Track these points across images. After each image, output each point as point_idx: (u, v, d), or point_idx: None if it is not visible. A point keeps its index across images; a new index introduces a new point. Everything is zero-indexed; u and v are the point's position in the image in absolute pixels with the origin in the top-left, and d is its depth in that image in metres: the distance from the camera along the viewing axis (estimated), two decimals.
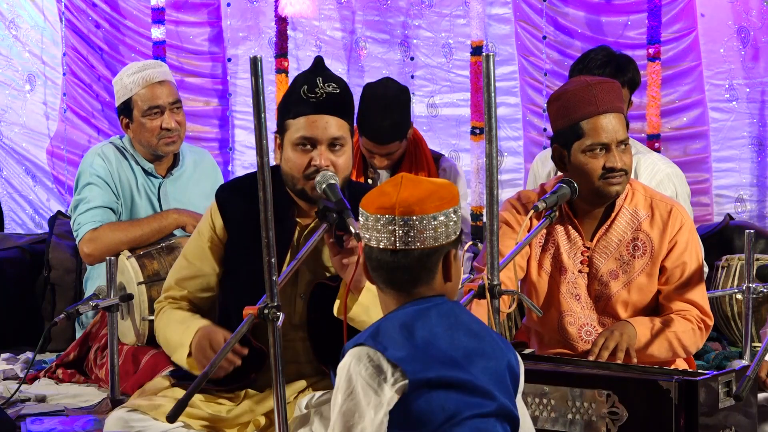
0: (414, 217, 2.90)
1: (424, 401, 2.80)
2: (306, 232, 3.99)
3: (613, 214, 4.24)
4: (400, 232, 2.91)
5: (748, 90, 6.78)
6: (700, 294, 4.25)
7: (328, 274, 3.96)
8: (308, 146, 3.90)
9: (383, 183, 3.01)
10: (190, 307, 4.06)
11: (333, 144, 3.90)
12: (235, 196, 4.04)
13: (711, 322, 4.27)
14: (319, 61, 4.02)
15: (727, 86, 6.80)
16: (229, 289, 4.06)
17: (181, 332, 3.90)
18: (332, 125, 3.90)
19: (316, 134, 3.89)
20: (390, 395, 2.80)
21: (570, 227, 4.28)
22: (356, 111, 4.19)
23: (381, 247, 2.92)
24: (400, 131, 5.68)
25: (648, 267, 4.23)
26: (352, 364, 2.84)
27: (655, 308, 4.28)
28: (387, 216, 2.91)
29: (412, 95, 7.24)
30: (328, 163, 3.88)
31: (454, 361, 2.85)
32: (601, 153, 4.18)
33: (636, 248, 4.24)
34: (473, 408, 2.84)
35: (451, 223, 2.94)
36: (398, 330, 2.85)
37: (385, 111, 5.66)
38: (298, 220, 4.00)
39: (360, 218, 2.98)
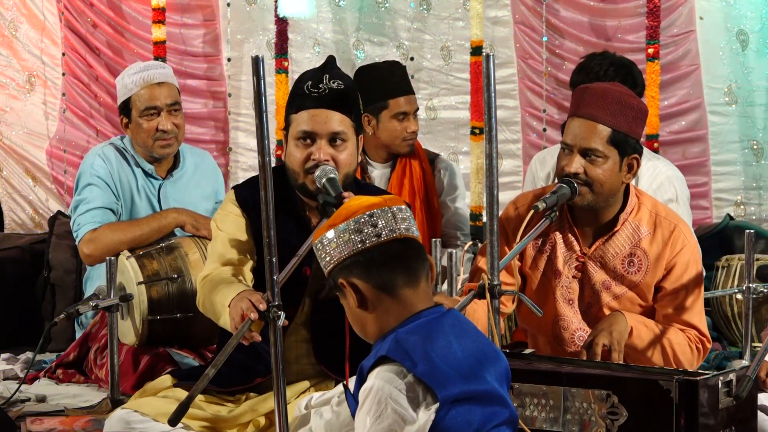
0: (402, 207, 2.97)
1: (450, 418, 2.79)
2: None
3: (616, 228, 4.23)
4: (397, 222, 2.94)
5: (746, 93, 6.77)
6: (698, 317, 4.23)
7: None
8: (308, 140, 3.90)
9: (348, 202, 3.00)
10: (234, 273, 3.94)
11: (334, 139, 3.90)
12: (252, 195, 3.99)
13: (709, 345, 4.25)
14: (330, 60, 4.03)
15: (725, 90, 6.80)
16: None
17: (226, 294, 3.72)
18: (333, 120, 3.89)
19: (316, 128, 3.89)
20: (425, 420, 2.77)
21: (569, 234, 4.28)
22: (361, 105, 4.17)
23: (408, 235, 2.93)
24: (406, 80, 5.83)
25: (641, 284, 4.21)
26: (382, 385, 2.79)
27: None
28: (382, 209, 2.93)
29: None
30: (327, 158, 3.88)
31: (471, 372, 2.84)
32: (565, 154, 4.18)
33: (631, 264, 4.22)
34: (493, 419, 2.84)
35: None
36: (419, 341, 2.83)
37: (392, 64, 5.92)
38: (311, 216, 3.99)
39: (373, 219, 2.92)
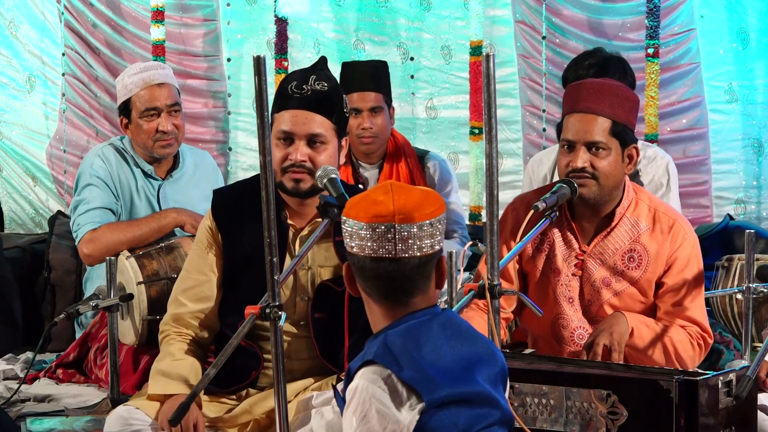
0: (414, 225, 2.86)
1: (436, 420, 2.78)
2: (301, 235, 3.99)
3: (614, 222, 4.23)
4: (400, 240, 2.85)
5: (747, 91, 6.78)
6: (700, 312, 4.23)
7: (327, 276, 3.96)
8: (287, 140, 3.92)
9: (370, 190, 2.94)
10: (193, 335, 4.05)
11: (313, 141, 3.91)
12: (230, 202, 4.04)
13: (711, 341, 4.25)
14: (320, 60, 4.04)
15: (726, 88, 6.80)
16: (228, 295, 4.06)
17: (167, 383, 3.93)
18: (313, 121, 3.90)
19: (295, 129, 3.90)
20: (409, 419, 2.77)
21: (567, 231, 4.28)
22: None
23: (378, 256, 2.86)
24: (381, 82, 5.75)
25: (641, 280, 4.21)
26: (367, 385, 2.79)
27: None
28: (386, 224, 2.85)
29: (412, 95, 7.26)
30: (304, 158, 3.89)
31: (461, 374, 2.83)
32: (567, 151, 4.18)
33: (631, 259, 4.22)
34: (482, 420, 2.83)
35: (441, 228, 2.92)
36: (406, 346, 2.81)
37: (364, 62, 5.95)
38: (290, 222, 4.00)
39: (348, 227, 2.90)
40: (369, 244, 2.86)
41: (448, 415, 2.79)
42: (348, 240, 2.90)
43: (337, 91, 3.97)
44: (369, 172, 5.82)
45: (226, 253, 4.03)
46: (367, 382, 2.79)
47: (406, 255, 2.86)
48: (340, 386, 3.03)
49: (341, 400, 2.92)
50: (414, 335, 2.84)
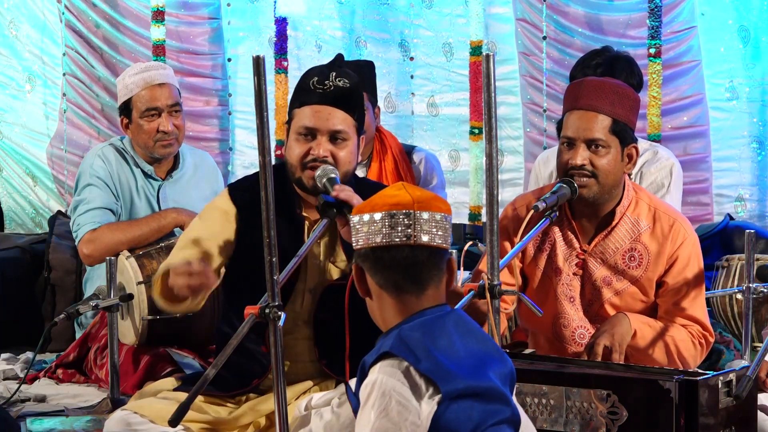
0: (431, 213, 2.91)
1: (452, 413, 2.79)
2: (315, 226, 3.98)
3: (614, 222, 4.22)
4: (417, 224, 2.89)
5: (748, 89, 6.77)
6: (701, 311, 4.22)
7: (336, 276, 3.96)
8: (309, 136, 3.89)
9: (381, 191, 2.98)
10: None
11: (334, 137, 3.89)
12: (248, 192, 3.98)
13: (712, 339, 4.24)
14: (338, 58, 4.01)
15: (727, 85, 6.80)
16: (233, 285, 4.04)
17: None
18: (336, 117, 3.88)
19: (318, 124, 3.87)
20: (427, 411, 2.78)
21: (568, 230, 4.27)
22: None
23: (395, 243, 2.90)
24: (364, 81, 5.65)
25: (642, 279, 4.20)
26: (385, 379, 2.79)
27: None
28: (405, 211, 2.89)
29: (411, 95, 7.27)
30: (326, 154, 3.87)
31: (474, 369, 2.84)
32: (567, 148, 4.17)
33: (632, 258, 4.21)
34: (493, 416, 2.84)
35: (449, 228, 2.97)
36: (422, 339, 2.82)
37: (347, 62, 5.82)
38: (305, 215, 3.98)
39: (364, 221, 2.92)
40: (387, 231, 2.90)
41: (463, 408, 2.80)
42: (363, 236, 2.92)
43: (358, 89, 3.95)
44: (358, 172, 5.82)
45: (239, 238, 3.98)
46: (385, 376, 2.80)
47: (422, 241, 2.90)
48: (352, 383, 3.02)
49: (354, 398, 2.92)
50: (429, 329, 2.86)
